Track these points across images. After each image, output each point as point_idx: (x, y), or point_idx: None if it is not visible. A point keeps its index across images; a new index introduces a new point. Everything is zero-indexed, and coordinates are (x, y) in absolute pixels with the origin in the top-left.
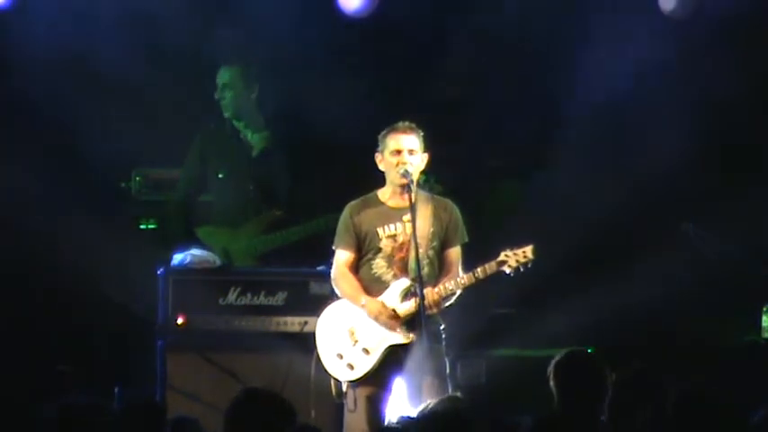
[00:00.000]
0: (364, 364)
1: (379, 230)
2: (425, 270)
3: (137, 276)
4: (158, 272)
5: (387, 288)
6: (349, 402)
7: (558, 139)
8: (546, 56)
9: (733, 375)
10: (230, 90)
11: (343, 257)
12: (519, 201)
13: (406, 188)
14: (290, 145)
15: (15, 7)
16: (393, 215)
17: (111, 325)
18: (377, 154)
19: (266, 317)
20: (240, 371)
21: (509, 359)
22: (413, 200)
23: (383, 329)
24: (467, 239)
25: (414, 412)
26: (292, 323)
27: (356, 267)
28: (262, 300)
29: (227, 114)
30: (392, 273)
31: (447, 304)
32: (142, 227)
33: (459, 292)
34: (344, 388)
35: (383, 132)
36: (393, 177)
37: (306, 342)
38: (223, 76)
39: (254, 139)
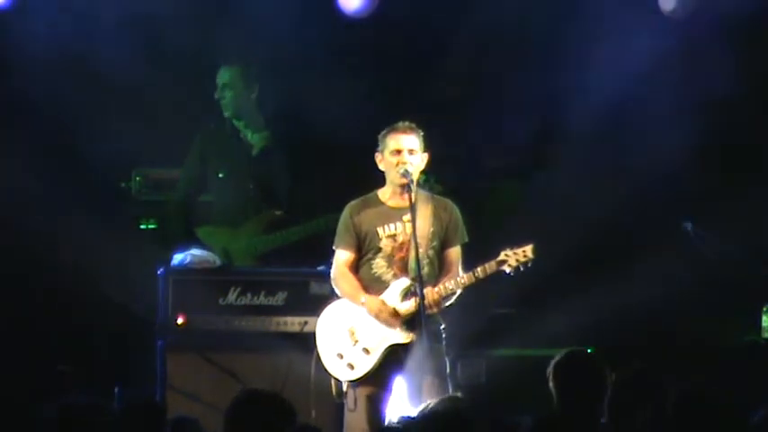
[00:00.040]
0: (365, 364)
1: (379, 230)
2: (425, 270)
3: (137, 276)
4: (158, 272)
5: (387, 288)
6: (349, 402)
7: (558, 139)
8: (546, 56)
9: (733, 375)
10: (230, 90)
11: (343, 257)
12: (519, 201)
13: (406, 188)
14: (290, 145)
15: (15, 7)
16: (393, 215)
17: (111, 325)
18: (377, 154)
19: (266, 317)
20: (240, 371)
21: (509, 359)
22: (413, 200)
23: (383, 329)
24: (467, 239)
25: (414, 412)
26: (292, 323)
27: (356, 267)
28: (262, 300)
29: (226, 114)
30: (392, 272)
31: (447, 304)
32: (142, 227)
33: (459, 291)
34: (345, 387)
35: (383, 132)
36: (393, 177)
37: (306, 342)
38: (223, 75)
39: (254, 139)
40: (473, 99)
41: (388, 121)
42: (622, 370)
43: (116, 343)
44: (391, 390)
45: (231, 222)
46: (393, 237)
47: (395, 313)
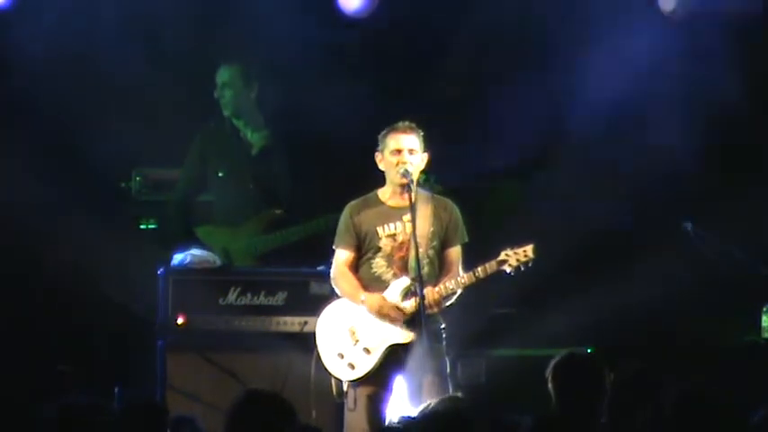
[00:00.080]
0: (365, 364)
1: (379, 230)
2: (425, 269)
3: (137, 276)
4: (158, 272)
5: (387, 287)
6: (349, 401)
7: (558, 140)
8: (546, 56)
9: (733, 375)
10: (230, 89)
11: (343, 257)
12: (519, 201)
13: (406, 188)
14: (289, 145)
15: (15, 7)
16: (393, 215)
17: (111, 325)
18: (377, 154)
19: (266, 317)
20: (240, 371)
21: (509, 359)
22: (413, 199)
23: (384, 329)
24: (467, 239)
25: (414, 412)
26: (292, 323)
27: (356, 267)
28: (262, 300)
29: (226, 113)
30: (392, 272)
31: (447, 304)
32: (142, 227)
33: (459, 291)
34: (345, 387)
35: (383, 132)
36: (393, 177)
37: (306, 342)
38: (223, 74)
39: (254, 138)
40: (473, 99)
41: (388, 121)
42: (622, 370)
43: (116, 343)
44: (392, 389)
45: (231, 222)
46: (393, 236)
47: (396, 308)
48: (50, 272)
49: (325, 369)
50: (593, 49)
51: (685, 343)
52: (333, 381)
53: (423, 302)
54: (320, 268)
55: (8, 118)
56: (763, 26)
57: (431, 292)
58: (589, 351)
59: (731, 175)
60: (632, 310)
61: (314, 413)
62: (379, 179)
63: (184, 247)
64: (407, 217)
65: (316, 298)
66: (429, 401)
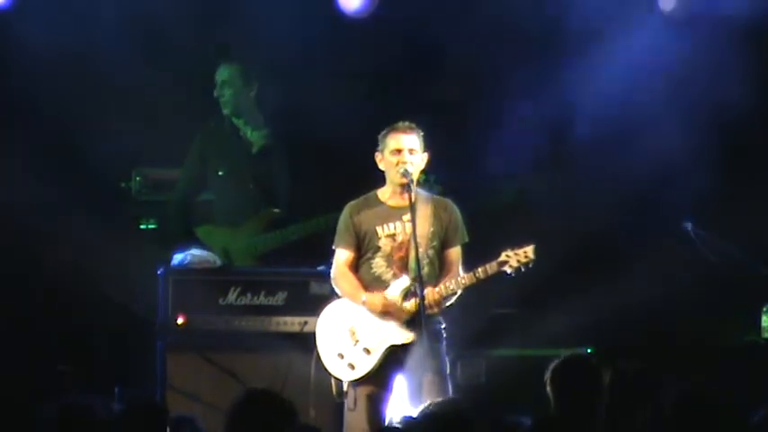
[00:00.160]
0: (365, 364)
1: (378, 229)
2: (425, 270)
3: (137, 276)
4: (158, 272)
5: (387, 287)
6: (349, 401)
7: (558, 140)
8: (546, 56)
9: (733, 375)
10: (229, 87)
11: (343, 257)
12: (519, 201)
13: (406, 188)
14: (289, 144)
15: (15, 7)
16: (393, 214)
17: (111, 325)
18: (377, 153)
19: (266, 317)
20: (240, 371)
21: (509, 359)
22: (413, 199)
23: (384, 329)
24: (467, 239)
25: (414, 412)
26: (292, 323)
27: (356, 267)
28: (262, 300)
29: (226, 112)
30: (392, 272)
31: (447, 304)
32: (142, 227)
33: (459, 291)
34: (345, 387)
35: (383, 132)
36: (393, 177)
37: (306, 342)
38: (222, 73)
39: (254, 137)
40: (473, 99)
41: (388, 121)
42: (622, 370)
43: (116, 343)
44: (392, 389)
45: (231, 222)
46: (392, 236)
47: (397, 308)
48: (50, 272)
49: (325, 369)
50: (593, 48)
51: (685, 343)
52: (333, 381)
53: (423, 303)
54: (320, 268)
55: (8, 118)
56: (763, 25)
57: (431, 293)
58: (589, 351)
59: (731, 175)
60: (632, 310)
61: (313, 413)
62: (379, 179)
63: (184, 247)
64: (407, 217)
65: (316, 298)
66: (429, 401)
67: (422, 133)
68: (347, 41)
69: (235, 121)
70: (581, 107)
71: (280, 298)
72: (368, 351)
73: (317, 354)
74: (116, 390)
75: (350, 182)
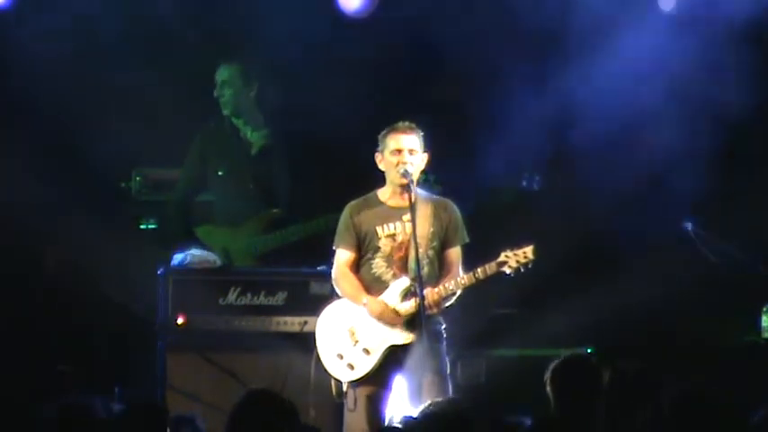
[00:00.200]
0: (365, 365)
1: (378, 230)
2: (425, 270)
3: (137, 276)
4: (158, 272)
5: (387, 288)
6: (349, 402)
7: (558, 139)
8: (546, 56)
9: (733, 375)
10: (229, 87)
11: (343, 257)
12: (519, 201)
13: (406, 188)
14: (289, 144)
15: (15, 7)
16: (393, 215)
17: (111, 325)
18: (377, 154)
19: (266, 317)
20: (240, 371)
21: (509, 359)
22: (413, 200)
23: (384, 329)
24: (467, 240)
25: (414, 412)
26: (292, 323)
27: (357, 267)
28: (262, 300)
29: (225, 112)
30: (392, 272)
31: (447, 304)
32: (142, 227)
33: (459, 292)
34: (345, 388)
35: (383, 132)
36: (393, 177)
37: (306, 342)
38: (222, 73)
39: (254, 137)
40: (473, 99)
41: (388, 121)
42: (622, 370)
43: (116, 343)
44: (391, 390)
45: (231, 222)
46: (392, 236)
47: (396, 315)
48: (50, 272)
49: (325, 370)
50: (593, 48)
51: (685, 343)
52: (332, 381)
53: (423, 303)
54: (320, 268)
55: (8, 118)
56: (763, 25)
57: (430, 293)
58: (589, 351)
59: (731, 175)
60: (632, 310)
61: (313, 413)
62: (379, 179)
63: (184, 247)
64: (407, 217)
65: (316, 298)
66: (429, 401)
67: (422, 133)
68: (347, 41)
69: (235, 121)
70: (581, 107)
71: (280, 298)
72: (367, 351)
73: (317, 354)
74: (116, 390)
75: (350, 182)
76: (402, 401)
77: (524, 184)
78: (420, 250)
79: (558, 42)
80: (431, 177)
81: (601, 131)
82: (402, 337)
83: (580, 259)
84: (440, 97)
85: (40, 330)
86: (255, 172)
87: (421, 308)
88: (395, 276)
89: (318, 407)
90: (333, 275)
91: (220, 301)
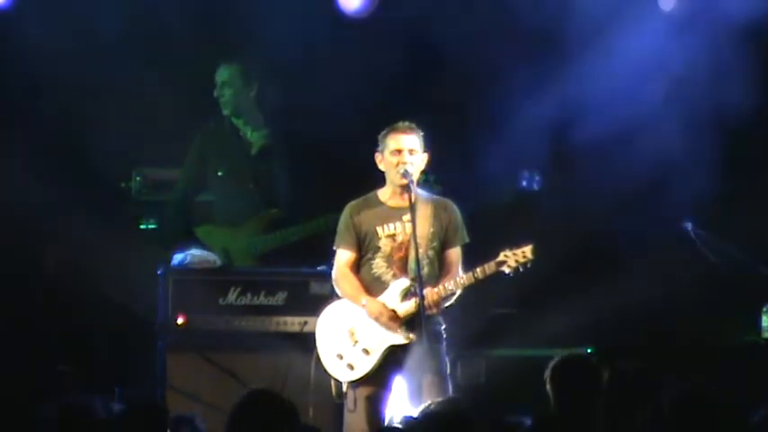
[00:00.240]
0: (364, 365)
1: (378, 230)
2: (425, 270)
3: (137, 276)
4: (158, 272)
5: (387, 288)
6: (349, 402)
7: (558, 139)
8: (546, 56)
9: (733, 375)
10: (229, 87)
11: (344, 257)
12: (519, 201)
13: (406, 188)
14: (289, 145)
15: (15, 7)
16: (393, 215)
17: (111, 325)
18: (377, 154)
19: (266, 317)
20: (240, 371)
21: (509, 359)
22: (413, 200)
23: (383, 330)
24: (467, 240)
25: (414, 412)
26: (292, 323)
27: (357, 267)
28: (262, 300)
29: (225, 112)
30: (392, 273)
31: (447, 304)
32: (142, 227)
33: (458, 292)
34: (344, 388)
35: (383, 132)
36: (393, 177)
37: (306, 342)
38: (222, 73)
39: (254, 137)
40: (473, 99)
41: (388, 121)
42: (622, 370)
43: (116, 343)
44: (391, 390)
45: (231, 222)
46: (392, 236)
47: (395, 316)
48: (50, 272)
49: (325, 370)
50: (593, 48)
51: (685, 343)
52: (332, 381)
53: (423, 303)
54: (320, 268)
55: (8, 118)
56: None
57: (430, 293)
58: (589, 351)
59: (731, 175)
60: (632, 310)
61: (312, 412)
62: (379, 179)
63: (184, 247)
64: (407, 217)
65: (316, 298)
66: (429, 402)
67: (422, 133)
68: (347, 41)
69: (235, 121)
70: (581, 107)
71: (280, 298)
72: (367, 351)
73: (317, 354)
74: (116, 390)
75: (350, 182)
76: (402, 401)
77: (524, 184)
78: (420, 250)
79: (558, 42)
80: (431, 177)
81: (601, 132)
82: (402, 337)
83: (580, 259)
84: (440, 97)
85: (40, 330)
86: (255, 172)
87: (421, 308)
88: (395, 276)
89: (318, 407)
90: (333, 276)
91: (220, 301)
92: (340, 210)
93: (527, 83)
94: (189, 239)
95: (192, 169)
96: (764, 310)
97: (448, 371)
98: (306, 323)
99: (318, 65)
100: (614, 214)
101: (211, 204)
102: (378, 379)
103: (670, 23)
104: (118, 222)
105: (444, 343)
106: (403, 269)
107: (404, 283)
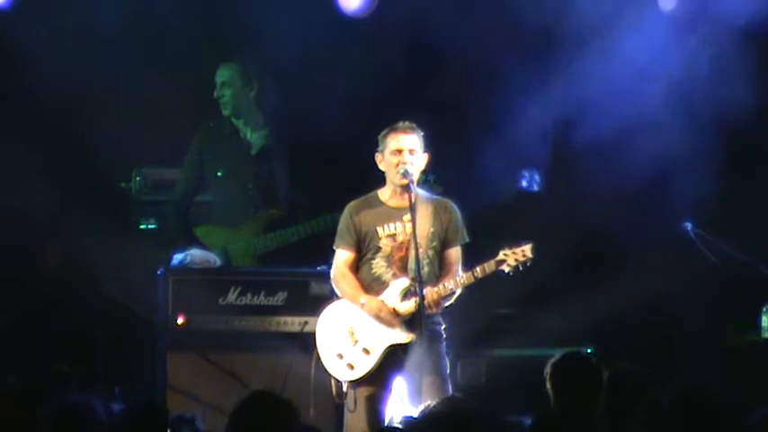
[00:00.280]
0: (364, 364)
1: (379, 230)
2: (425, 270)
3: (137, 276)
4: (158, 272)
5: (387, 288)
6: (349, 402)
7: (558, 139)
8: (546, 56)
9: (733, 375)
10: (229, 88)
11: (343, 257)
12: (519, 201)
13: (406, 188)
14: (289, 145)
15: (15, 7)
16: (393, 215)
17: (111, 325)
18: (377, 154)
19: (266, 317)
20: (240, 371)
21: (509, 359)
22: (413, 200)
23: (383, 329)
24: (467, 240)
25: (414, 412)
26: (292, 323)
27: (357, 267)
28: (262, 300)
29: (225, 112)
30: (392, 272)
31: (447, 304)
32: (142, 227)
33: (458, 291)
34: (345, 388)
35: (383, 132)
36: (393, 177)
37: (306, 342)
38: (222, 73)
39: (254, 138)
40: (473, 99)
41: (388, 122)
42: (620, 370)
43: (116, 343)
44: (391, 390)
45: (231, 222)
46: (393, 236)
47: (394, 313)
48: (51, 272)
49: (325, 370)
50: (594, 48)
51: (685, 343)
52: (332, 381)
53: (423, 303)
54: (320, 268)
55: (8, 118)
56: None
57: (430, 293)
58: (589, 351)
59: (731, 175)
60: (632, 310)
61: (313, 413)
62: (379, 179)
63: (184, 247)
64: (407, 217)
65: (316, 298)
66: (429, 401)
67: (422, 133)
68: (347, 41)
69: (235, 121)
70: (581, 107)
71: (280, 298)
72: (367, 351)
73: (317, 354)
74: (116, 390)
75: (350, 182)
76: (402, 401)
77: (524, 184)
78: (420, 250)
79: (557, 42)
80: (431, 177)
81: (601, 132)
82: (402, 336)
83: (580, 259)
84: (439, 97)
85: (40, 330)
86: (255, 172)
87: (421, 308)
88: (395, 276)
89: (318, 407)
90: (332, 275)
91: (220, 301)
92: (340, 210)
93: (527, 83)
94: (189, 239)
95: (192, 169)
96: (764, 310)
97: (448, 371)
98: (306, 323)
99: (318, 65)
100: (614, 214)
101: (211, 204)
102: (378, 379)
103: (670, 24)
104: (118, 222)
105: (444, 343)
106: (403, 269)
107: (404, 282)
